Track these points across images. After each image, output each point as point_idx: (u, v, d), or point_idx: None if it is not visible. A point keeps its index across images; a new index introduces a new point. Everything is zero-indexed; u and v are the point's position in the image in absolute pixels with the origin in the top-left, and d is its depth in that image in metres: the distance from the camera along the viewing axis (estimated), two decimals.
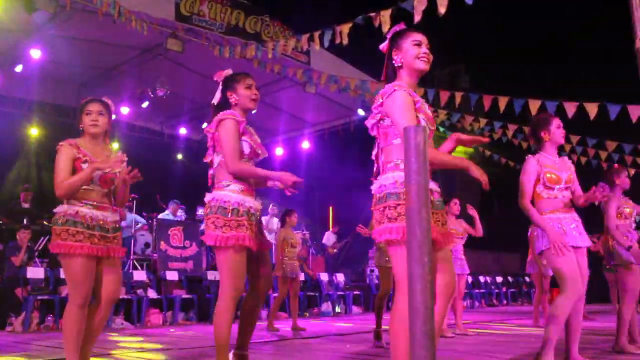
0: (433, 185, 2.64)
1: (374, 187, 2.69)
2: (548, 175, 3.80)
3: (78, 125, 3.49)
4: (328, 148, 14.29)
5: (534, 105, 6.71)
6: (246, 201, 3.22)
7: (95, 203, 3.38)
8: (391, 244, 2.52)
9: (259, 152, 3.37)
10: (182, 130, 14.29)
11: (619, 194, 4.96)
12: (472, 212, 6.67)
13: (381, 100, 2.66)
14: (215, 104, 3.46)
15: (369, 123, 2.77)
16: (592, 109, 6.34)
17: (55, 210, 3.40)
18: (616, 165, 5.57)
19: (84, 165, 3.34)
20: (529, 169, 3.84)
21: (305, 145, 14.61)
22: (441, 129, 10.18)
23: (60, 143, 3.40)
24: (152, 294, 8.55)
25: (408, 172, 1.34)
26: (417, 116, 2.61)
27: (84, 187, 3.34)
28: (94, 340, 3.48)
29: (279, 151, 14.67)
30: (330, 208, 14.97)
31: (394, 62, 2.73)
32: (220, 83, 3.48)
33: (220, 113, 3.34)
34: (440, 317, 2.81)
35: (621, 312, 4.70)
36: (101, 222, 3.38)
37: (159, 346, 5.53)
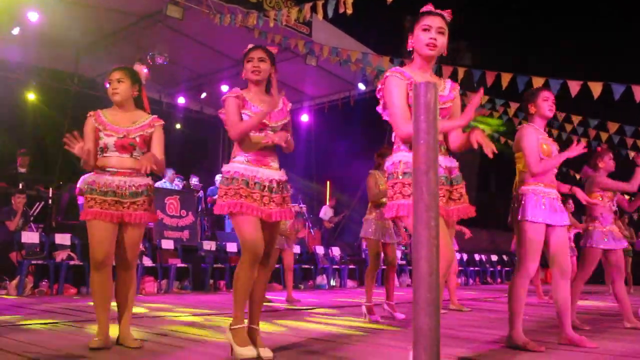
0: (449, 162, 2.82)
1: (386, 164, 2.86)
2: (544, 146, 3.77)
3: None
4: (327, 122, 14.19)
5: (538, 83, 6.63)
6: (249, 170, 3.20)
7: (114, 169, 3.44)
8: (403, 219, 2.72)
9: (265, 121, 3.26)
10: (181, 100, 14.15)
11: (603, 176, 4.99)
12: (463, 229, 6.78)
13: (380, 87, 2.85)
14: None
15: (379, 108, 2.92)
16: (596, 88, 6.27)
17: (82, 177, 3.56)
18: (599, 148, 5.56)
19: (100, 134, 3.47)
20: (530, 135, 3.79)
21: (305, 118, 14.52)
22: None
23: (89, 113, 3.54)
24: (147, 262, 8.54)
25: (417, 130, 1.28)
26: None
27: (104, 154, 3.45)
28: (129, 307, 3.54)
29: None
30: (328, 182, 14.93)
31: (407, 46, 2.87)
32: None
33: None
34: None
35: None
36: (115, 188, 3.40)
37: (152, 313, 5.53)
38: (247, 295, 3.20)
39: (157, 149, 3.58)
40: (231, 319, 3.19)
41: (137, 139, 3.49)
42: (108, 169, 3.43)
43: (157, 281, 8.46)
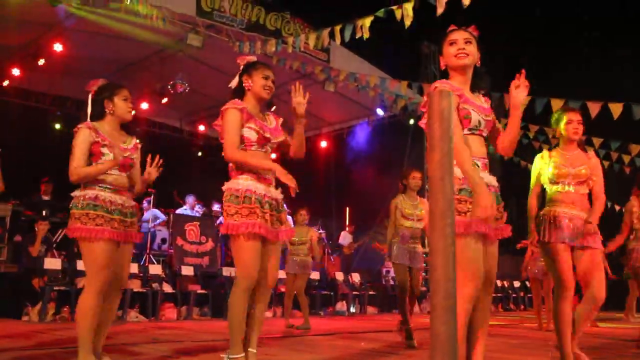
0: (494, 181, 2.79)
1: None
2: (554, 170, 3.75)
3: (102, 108, 3.45)
4: (346, 147, 14.23)
5: (556, 105, 6.60)
6: (258, 188, 3.14)
7: (113, 187, 3.36)
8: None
9: (268, 135, 3.24)
10: (201, 127, 14.33)
11: None
12: None
13: (425, 99, 2.81)
14: (232, 87, 3.41)
15: (422, 123, 2.89)
16: (616, 109, 6.22)
17: (73, 194, 3.37)
18: None
19: (103, 149, 3.33)
20: (535, 163, 3.92)
21: (324, 144, 14.57)
22: None
23: (79, 125, 3.40)
24: (167, 288, 8.56)
25: (432, 138, 1.28)
26: (464, 107, 2.74)
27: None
28: (106, 331, 3.45)
29: None
30: (347, 208, 14.90)
31: (441, 67, 2.90)
32: (241, 67, 3.42)
33: (227, 103, 3.30)
34: (485, 316, 2.80)
35: None
36: (120, 207, 3.36)
37: (172, 339, 5.51)
38: (244, 323, 3.13)
39: (138, 172, 3.58)
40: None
41: (134, 158, 3.47)
42: (108, 187, 3.33)
43: (177, 308, 8.45)
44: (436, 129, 1.27)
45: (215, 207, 12.07)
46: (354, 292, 10.92)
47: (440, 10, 4.48)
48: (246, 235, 3.07)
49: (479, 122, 2.78)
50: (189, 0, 9.38)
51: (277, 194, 3.26)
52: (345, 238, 13.30)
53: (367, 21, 5.52)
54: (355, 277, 11.25)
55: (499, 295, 13.43)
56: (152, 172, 3.59)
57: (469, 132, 2.77)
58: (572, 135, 3.80)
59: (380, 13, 5.34)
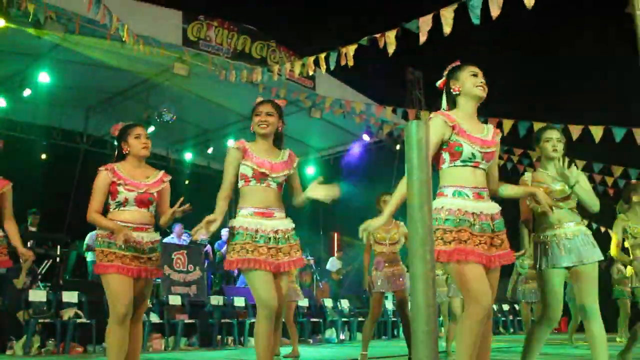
0: (492, 209, 2.87)
1: None
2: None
3: (121, 151, 3.62)
4: (333, 174, 14.27)
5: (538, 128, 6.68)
6: (253, 224, 3.23)
7: (130, 225, 3.47)
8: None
9: (265, 171, 3.30)
10: (188, 155, 14.33)
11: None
12: None
13: None
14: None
15: None
16: (597, 132, 6.33)
17: (96, 232, 3.58)
18: (633, 181, 5.48)
19: (119, 188, 3.48)
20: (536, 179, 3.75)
21: (310, 170, 14.61)
22: None
23: (99, 168, 3.56)
24: (154, 318, 8.46)
25: (410, 168, 1.32)
26: (456, 140, 2.84)
27: (121, 208, 3.50)
28: None
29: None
30: (335, 234, 14.88)
31: (452, 90, 2.99)
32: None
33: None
34: (487, 342, 2.85)
35: None
36: (135, 244, 3.44)
37: None
38: (270, 352, 3.17)
39: (167, 203, 3.68)
40: None
41: (155, 194, 3.58)
42: (126, 224, 3.45)
43: (165, 338, 8.35)
44: (414, 158, 1.30)
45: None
46: (343, 319, 10.86)
47: (422, 38, 4.57)
48: (247, 269, 3.19)
49: (473, 154, 2.86)
50: (175, 29, 9.47)
51: (278, 225, 3.29)
52: (333, 264, 13.26)
53: (351, 49, 5.61)
54: (345, 304, 11.20)
55: None
56: (177, 212, 3.61)
57: (461, 164, 2.85)
58: (551, 153, 3.82)
59: (364, 41, 5.42)
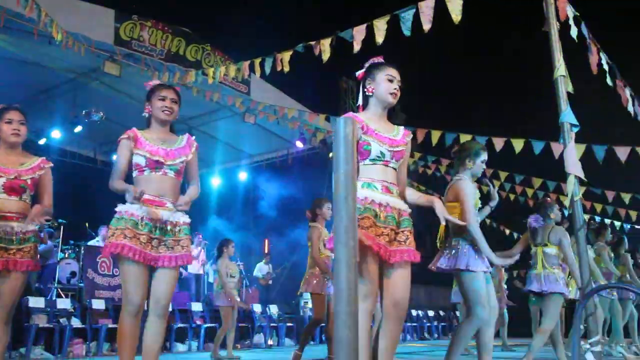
0: (400, 205, 2.97)
1: None
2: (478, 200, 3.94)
3: None
4: (265, 179, 14.29)
5: (465, 139, 6.97)
6: (140, 210, 3.09)
7: (0, 213, 3.28)
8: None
9: (159, 159, 3.19)
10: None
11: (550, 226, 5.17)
12: None
13: None
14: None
15: None
16: (518, 144, 6.66)
17: None
18: (548, 199, 5.85)
19: None
20: (470, 188, 3.79)
21: (243, 176, 14.57)
22: None
23: None
24: (75, 323, 8.18)
25: (337, 161, 1.40)
26: (365, 139, 2.91)
27: None
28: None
29: (215, 182, 14.56)
30: (266, 240, 14.89)
31: (366, 90, 3.03)
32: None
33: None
34: (392, 342, 2.85)
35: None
36: (2, 234, 3.27)
37: None
38: (133, 351, 3.07)
39: (47, 193, 3.50)
40: None
41: (29, 181, 3.40)
42: None
43: (87, 343, 8.09)
44: (341, 152, 1.39)
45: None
46: (272, 324, 10.87)
47: (357, 47, 4.70)
48: (121, 257, 3.04)
49: (382, 153, 2.94)
50: (107, 28, 9.25)
51: (167, 216, 3.15)
52: (261, 269, 13.26)
53: (287, 55, 5.68)
54: (273, 309, 11.21)
55: (413, 324, 13.76)
56: (35, 217, 3.36)
57: (370, 162, 2.94)
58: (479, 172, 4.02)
59: (300, 48, 5.51)
